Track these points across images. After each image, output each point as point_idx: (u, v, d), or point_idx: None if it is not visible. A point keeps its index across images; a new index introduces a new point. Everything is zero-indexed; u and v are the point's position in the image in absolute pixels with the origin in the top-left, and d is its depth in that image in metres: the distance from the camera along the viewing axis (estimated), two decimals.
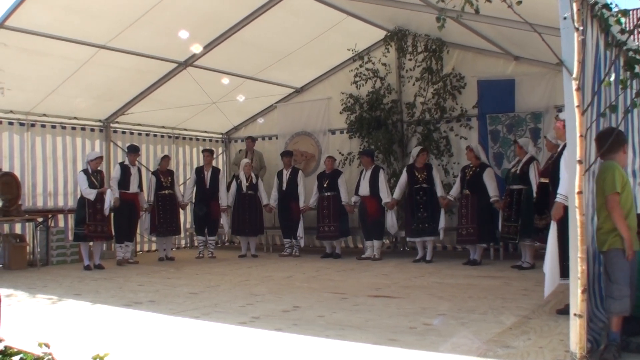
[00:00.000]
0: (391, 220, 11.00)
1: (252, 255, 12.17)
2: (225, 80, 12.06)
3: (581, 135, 4.00)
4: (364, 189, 11.11)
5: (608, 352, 4.28)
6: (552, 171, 6.52)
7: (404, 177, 10.84)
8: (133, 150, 11.45)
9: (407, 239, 11.26)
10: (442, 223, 10.40)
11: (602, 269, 4.59)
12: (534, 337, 4.94)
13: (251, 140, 13.65)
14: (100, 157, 10.89)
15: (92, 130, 12.42)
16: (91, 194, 10.32)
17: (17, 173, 10.90)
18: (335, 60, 13.02)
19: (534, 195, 8.91)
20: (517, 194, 9.36)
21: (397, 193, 10.93)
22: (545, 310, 5.98)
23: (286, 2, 10.03)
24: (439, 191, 10.48)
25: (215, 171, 12.41)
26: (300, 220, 11.91)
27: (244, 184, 12.21)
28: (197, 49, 10.62)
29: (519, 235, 9.28)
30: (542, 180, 8.46)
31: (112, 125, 12.69)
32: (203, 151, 12.76)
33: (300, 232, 11.90)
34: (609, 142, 4.42)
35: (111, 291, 8.05)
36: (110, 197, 10.48)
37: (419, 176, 10.59)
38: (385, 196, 10.96)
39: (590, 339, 4.24)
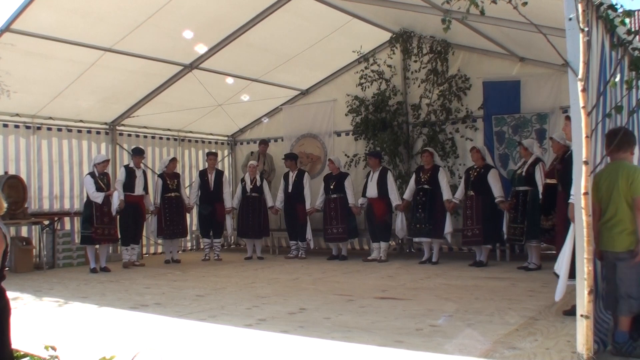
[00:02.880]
0: (401, 223, 11.00)
1: (258, 257, 12.15)
2: (230, 80, 12.06)
3: (587, 136, 4.02)
4: (372, 191, 11.09)
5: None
6: (562, 172, 6.48)
7: (412, 178, 10.89)
8: (138, 153, 11.46)
9: (414, 239, 11.29)
10: (448, 227, 10.37)
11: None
12: (540, 338, 4.94)
13: (264, 144, 13.63)
14: (107, 160, 10.87)
15: (98, 133, 12.41)
16: (99, 197, 10.31)
17: (23, 176, 10.84)
18: (341, 62, 12.99)
19: (540, 196, 8.94)
20: (522, 195, 9.34)
21: (407, 194, 10.94)
22: (552, 312, 5.98)
23: (291, 5, 10.02)
24: (445, 194, 10.43)
25: (219, 174, 12.41)
26: (308, 222, 11.89)
27: (248, 186, 12.21)
28: (201, 49, 10.63)
29: (525, 237, 9.28)
30: (548, 181, 8.46)
31: (118, 128, 12.67)
32: (208, 154, 12.77)
33: (308, 234, 11.88)
34: (618, 141, 4.43)
35: (117, 294, 8.05)
36: (117, 198, 10.48)
37: (422, 177, 10.61)
38: (395, 198, 10.96)
39: (597, 340, 4.24)
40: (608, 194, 4.52)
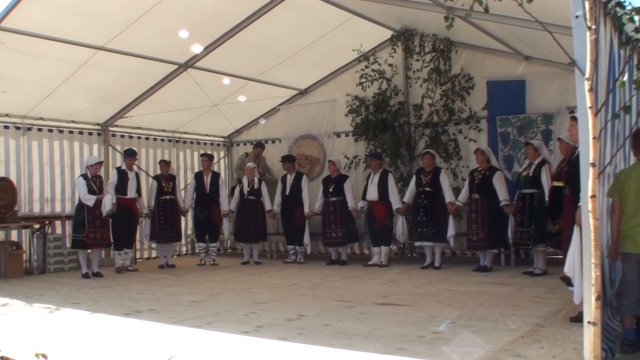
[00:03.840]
0: (402, 227, 10.78)
1: (255, 262, 11.94)
2: (226, 80, 11.92)
3: (594, 137, 3.98)
4: (372, 194, 10.90)
5: None
6: (569, 174, 6.42)
7: (413, 180, 10.74)
8: (130, 154, 11.30)
9: (415, 243, 11.18)
10: (451, 230, 10.20)
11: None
12: (546, 345, 4.91)
13: (259, 147, 13.41)
14: (100, 162, 10.73)
15: (90, 134, 12.27)
16: (90, 200, 10.15)
17: (13, 178, 10.73)
18: (340, 61, 12.85)
19: (546, 199, 8.83)
20: (529, 198, 9.25)
21: (407, 197, 10.76)
22: (559, 318, 5.95)
23: (290, 2, 9.90)
24: (448, 197, 10.29)
25: (215, 176, 12.24)
26: (306, 226, 11.67)
27: (246, 188, 12.01)
28: (197, 48, 10.50)
29: (532, 241, 9.16)
30: (555, 183, 8.36)
31: (110, 129, 12.53)
32: (201, 155, 12.61)
33: (306, 238, 11.67)
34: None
35: (110, 300, 7.98)
36: (109, 201, 10.28)
37: (423, 179, 10.47)
38: (396, 202, 10.79)
39: (604, 348, 4.24)
40: (638, 195, 4.51)
